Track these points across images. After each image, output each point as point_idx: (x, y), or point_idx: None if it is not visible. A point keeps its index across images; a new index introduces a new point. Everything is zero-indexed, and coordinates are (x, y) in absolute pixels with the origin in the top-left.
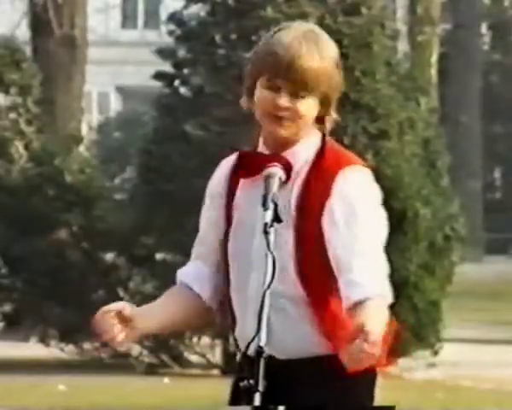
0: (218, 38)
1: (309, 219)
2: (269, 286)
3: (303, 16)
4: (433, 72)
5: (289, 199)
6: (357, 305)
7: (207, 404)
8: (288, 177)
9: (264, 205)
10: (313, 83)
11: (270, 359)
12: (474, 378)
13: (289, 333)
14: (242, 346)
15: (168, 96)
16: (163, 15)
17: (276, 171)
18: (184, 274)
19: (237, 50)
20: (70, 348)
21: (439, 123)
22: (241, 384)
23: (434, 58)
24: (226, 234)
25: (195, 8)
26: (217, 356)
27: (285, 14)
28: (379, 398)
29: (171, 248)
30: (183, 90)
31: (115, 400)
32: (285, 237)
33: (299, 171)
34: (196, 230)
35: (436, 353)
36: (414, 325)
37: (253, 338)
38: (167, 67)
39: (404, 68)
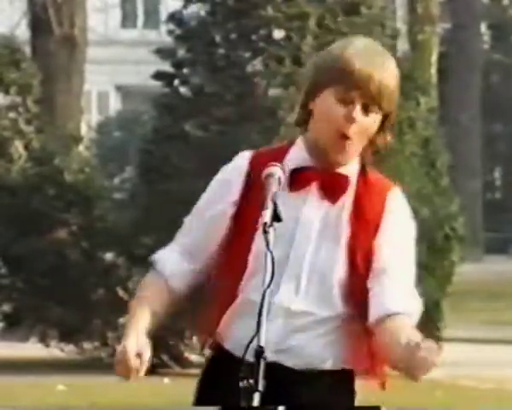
0: (217, 37)
1: (363, 237)
2: (268, 286)
3: (302, 16)
4: (433, 71)
5: (340, 215)
6: (393, 316)
7: None
8: (344, 191)
9: (264, 205)
10: (387, 98)
11: (287, 368)
12: (474, 378)
13: (311, 345)
14: (237, 351)
15: (168, 95)
16: (163, 15)
17: (276, 170)
18: (165, 266)
19: (237, 50)
20: (70, 348)
21: (438, 123)
22: (241, 384)
23: (434, 58)
24: (245, 239)
25: (195, 8)
26: None
27: (285, 13)
28: (379, 398)
29: None
30: (182, 89)
31: (115, 400)
32: (334, 255)
33: (348, 190)
34: None
35: None
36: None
37: (253, 338)
38: (167, 67)
39: (403, 68)
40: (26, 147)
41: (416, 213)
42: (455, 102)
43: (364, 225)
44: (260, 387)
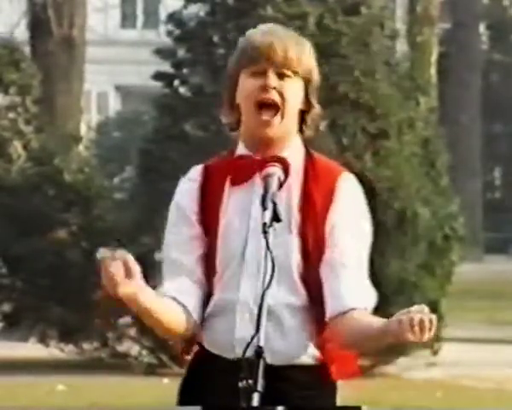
0: (217, 37)
1: (313, 224)
2: (268, 286)
3: (302, 15)
4: (433, 71)
5: (290, 203)
6: (351, 311)
7: None
8: (287, 177)
9: (264, 205)
10: (296, 61)
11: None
12: (474, 378)
13: (283, 340)
14: (223, 351)
15: (167, 95)
16: (162, 15)
17: (275, 170)
18: (174, 290)
19: None
20: (70, 348)
21: (438, 122)
22: (240, 385)
23: (434, 57)
24: (211, 245)
25: (195, 8)
26: None
27: (285, 13)
28: (379, 397)
29: None
30: (182, 89)
31: (115, 400)
32: (288, 242)
33: (294, 176)
34: None
35: (436, 352)
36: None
37: (252, 338)
38: (167, 67)
39: (403, 68)
40: (26, 147)
41: (415, 213)
42: (455, 102)
43: (314, 211)
44: (259, 387)
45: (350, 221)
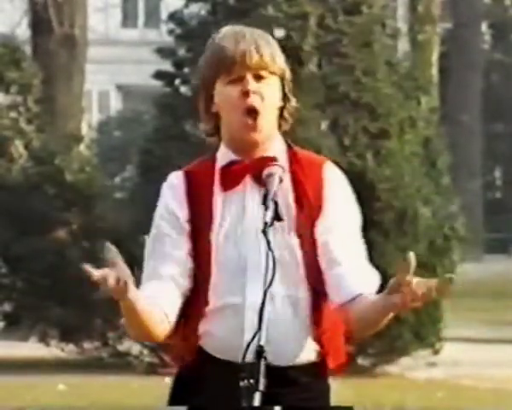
0: None
1: (309, 216)
2: (270, 285)
3: (303, 15)
4: (434, 71)
5: (287, 201)
6: (359, 297)
7: None
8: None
9: (265, 204)
10: (271, 62)
11: (266, 366)
12: (475, 378)
13: (288, 340)
14: (232, 356)
15: (168, 95)
16: (163, 14)
17: (276, 170)
18: (153, 291)
19: None
20: (70, 347)
21: (439, 122)
22: (241, 384)
23: (435, 57)
24: (203, 249)
25: (196, 8)
26: None
27: (285, 13)
28: (380, 397)
29: None
30: (183, 89)
31: (115, 400)
32: (291, 240)
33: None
34: None
35: (436, 352)
36: (414, 325)
37: (253, 338)
38: (168, 67)
39: (404, 67)
40: (27, 146)
41: (416, 212)
42: (455, 101)
43: (308, 203)
44: (261, 387)
45: (342, 209)
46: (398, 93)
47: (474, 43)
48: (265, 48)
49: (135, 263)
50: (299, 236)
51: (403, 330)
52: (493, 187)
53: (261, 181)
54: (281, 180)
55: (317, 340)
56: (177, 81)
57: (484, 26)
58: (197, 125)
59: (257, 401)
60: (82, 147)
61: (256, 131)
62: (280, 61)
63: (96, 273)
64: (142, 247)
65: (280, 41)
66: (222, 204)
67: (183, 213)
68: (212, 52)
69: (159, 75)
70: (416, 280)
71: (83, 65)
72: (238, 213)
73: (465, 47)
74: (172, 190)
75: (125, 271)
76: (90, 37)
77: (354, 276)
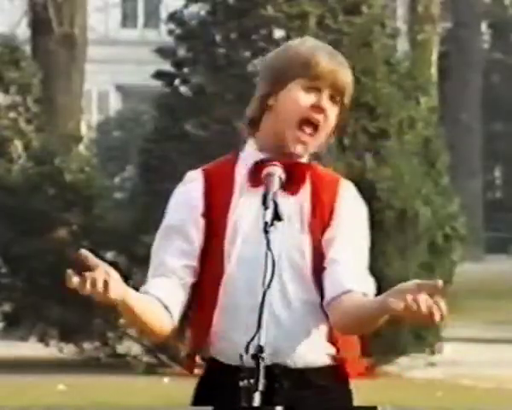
0: (218, 37)
1: (321, 225)
2: (269, 286)
3: (303, 15)
4: (434, 71)
5: (302, 205)
6: (349, 292)
7: None
8: (304, 181)
9: (265, 204)
10: (348, 93)
11: (284, 367)
12: (474, 378)
13: (303, 342)
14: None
15: (168, 95)
16: (163, 14)
17: (276, 170)
18: (157, 289)
19: (237, 50)
20: (70, 347)
21: (439, 122)
22: (241, 384)
23: (434, 57)
24: (217, 247)
25: (196, 8)
26: None
27: (285, 13)
28: (379, 397)
29: None
30: (183, 89)
31: (115, 400)
32: (302, 242)
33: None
34: None
35: (436, 352)
36: (413, 325)
37: (253, 337)
38: (167, 67)
39: (404, 67)
40: (26, 146)
41: (416, 212)
42: (455, 101)
43: (321, 213)
44: (261, 387)
45: (349, 223)
46: (398, 93)
47: (474, 42)
48: (349, 76)
49: (134, 262)
50: (311, 238)
51: (402, 330)
52: (493, 186)
53: (287, 185)
54: (280, 180)
55: (333, 343)
56: (176, 81)
57: (484, 26)
58: (197, 125)
59: (257, 401)
60: (81, 147)
61: (305, 146)
62: (350, 90)
63: (73, 280)
64: (142, 246)
65: (279, 41)
66: (242, 203)
67: (198, 207)
68: (299, 53)
69: (158, 75)
70: (424, 296)
71: (82, 65)
72: (257, 212)
73: (465, 47)
74: (189, 185)
75: (106, 273)
76: (90, 36)
77: (348, 274)
